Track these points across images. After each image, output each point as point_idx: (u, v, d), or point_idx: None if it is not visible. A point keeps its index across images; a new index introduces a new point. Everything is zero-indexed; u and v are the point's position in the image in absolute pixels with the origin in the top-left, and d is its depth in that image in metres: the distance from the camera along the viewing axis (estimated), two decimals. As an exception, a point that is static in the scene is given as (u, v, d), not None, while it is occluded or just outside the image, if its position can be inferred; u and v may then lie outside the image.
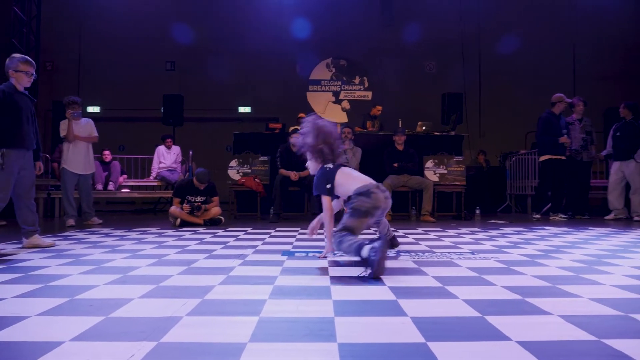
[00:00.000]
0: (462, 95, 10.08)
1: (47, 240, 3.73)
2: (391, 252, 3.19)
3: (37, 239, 3.62)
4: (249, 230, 4.96)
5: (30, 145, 3.72)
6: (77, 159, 5.86)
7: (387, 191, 2.82)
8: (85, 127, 5.96)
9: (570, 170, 6.90)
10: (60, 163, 7.90)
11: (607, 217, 6.72)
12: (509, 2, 11.86)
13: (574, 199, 6.93)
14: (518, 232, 4.66)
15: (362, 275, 2.34)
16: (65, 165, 5.83)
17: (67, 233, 4.74)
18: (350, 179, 2.88)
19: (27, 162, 3.71)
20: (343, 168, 2.94)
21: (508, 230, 4.95)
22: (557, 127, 6.57)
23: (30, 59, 3.75)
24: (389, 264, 2.76)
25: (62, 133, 5.84)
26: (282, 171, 6.41)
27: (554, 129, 6.56)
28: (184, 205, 5.51)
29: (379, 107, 8.84)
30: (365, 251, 2.36)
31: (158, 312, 1.73)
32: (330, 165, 2.95)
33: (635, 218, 6.43)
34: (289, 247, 3.55)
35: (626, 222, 6.27)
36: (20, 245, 3.65)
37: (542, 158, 6.65)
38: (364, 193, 2.74)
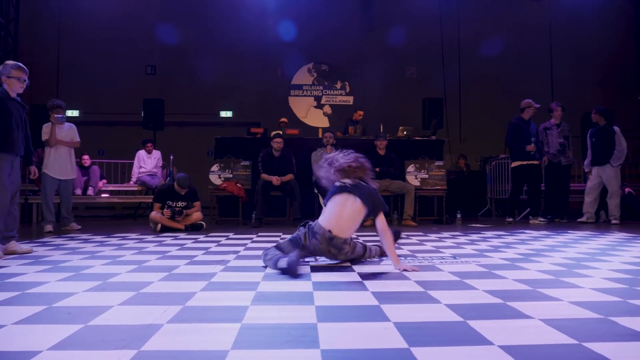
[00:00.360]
0: (442, 100, 10.22)
1: (25, 246, 3.66)
2: (374, 258, 3.20)
3: (15, 245, 3.57)
4: (231, 235, 4.92)
5: (19, 151, 3.74)
6: (59, 163, 5.74)
7: (339, 248, 2.72)
8: (68, 132, 5.85)
9: (549, 174, 7.03)
10: (38, 167, 7.76)
11: (579, 219, 6.86)
12: (488, 9, 12.05)
13: (552, 202, 7.06)
14: (499, 236, 4.72)
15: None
16: (46, 170, 5.70)
17: (45, 239, 4.65)
18: (327, 209, 2.81)
19: (15, 168, 3.73)
20: (342, 195, 2.79)
21: (489, 234, 5.00)
22: (527, 133, 6.70)
23: (22, 66, 3.79)
24: (371, 268, 2.78)
25: (44, 137, 5.70)
26: (264, 176, 6.39)
27: (523, 134, 6.69)
28: (165, 210, 5.44)
29: (361, 112, 8.88)
30: (283, 263, 2.55)
31: (138, 320, 1.70)
32: (338, 184, 2.86)
33: (613, 221, 6.57)
34: (271, 253, 3.53)
35: (604, 225, 6.40)
36: None
37: (514, 164, 6.77)
38: (314, 233, 2.73)
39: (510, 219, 6.80)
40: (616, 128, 6.77)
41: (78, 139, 5.98)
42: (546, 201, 7.02)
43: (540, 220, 6.61)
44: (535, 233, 5.06)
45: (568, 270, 2.70)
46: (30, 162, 4.04)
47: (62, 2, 11.40)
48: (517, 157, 6.75)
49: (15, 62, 3.80)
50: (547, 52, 12.23)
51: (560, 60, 12.17)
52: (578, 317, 1.73)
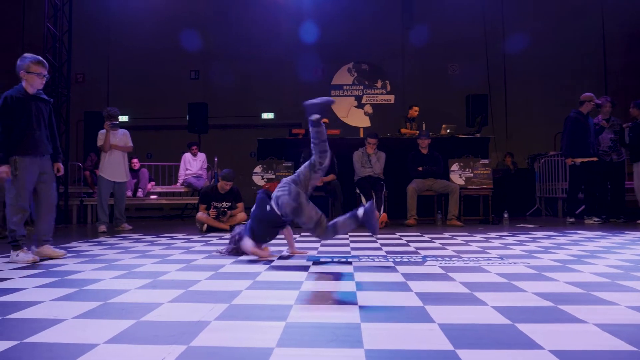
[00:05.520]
0: (486, 96, 9.93)
1: (59, 250, 3.56)
2: (417, 258, 3.16)
3: (48, 248, 3.49)
4: (275, 235, 4.97)
5: (45, 151, 3.51)
6: (114, 167, 6.00)
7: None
8: (122, 138, 6.10)
9: (602, 172, 6.69)
10: (91, 171, 8.13)
11: (639, 221, 6.45)
12: (533, -1, 11.60)
13: (606, 201, 6.72)
14: (549, 237, 4.56)
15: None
16: (102, 173, 5.97)
17: (100, 239, 4.86)
18: None
19: (45, 169, 3.52)
20: None
21: (538, 234, 4.84)
22: (586, 127, 6.38)
23: (42, 60, 3.50)
24: (415, 269, 2.74)
25: (99, 143, 5.98)
26: (307, 176, 6.41)
27: (583, 129, 6.36)
28: (210, 210, 5.58)
29: (416, 108, 8.59)
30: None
31: (187, 317, 1.75)
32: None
33: None
34: (314, 252, 3.56)
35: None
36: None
37: (576, 161, 6.46)
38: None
39: (572, 219, 6.44)
40: None
41: (131, 144, 6.22)
42: (600, 200, 6.67)
43: (594, 220, 6.30)
44: (588, 234, 4.85)
45: (625, 273, 2.57)
46: (56, 159, 3.69)
47: (111, 13, 11.88)
48: (576, 153, 6.40)
49: (34, 56, 3.48)
50: (599, 41, 11.62)
51: (612, 48, 11.51)
52: (636, 322, 1.65)
